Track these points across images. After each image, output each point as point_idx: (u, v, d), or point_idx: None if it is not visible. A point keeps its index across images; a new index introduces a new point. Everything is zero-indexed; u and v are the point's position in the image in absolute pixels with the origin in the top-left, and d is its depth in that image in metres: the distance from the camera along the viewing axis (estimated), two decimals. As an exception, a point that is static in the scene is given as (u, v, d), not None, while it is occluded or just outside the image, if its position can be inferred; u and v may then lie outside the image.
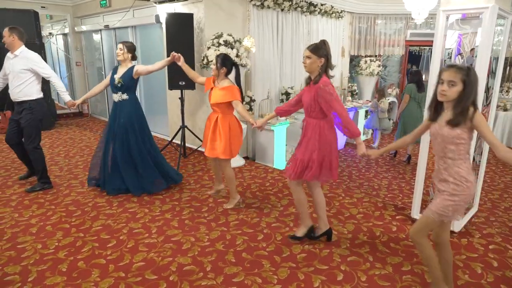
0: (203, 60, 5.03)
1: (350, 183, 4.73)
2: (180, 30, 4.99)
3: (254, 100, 5.57)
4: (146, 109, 7.45)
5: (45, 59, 7.72)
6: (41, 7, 8.22)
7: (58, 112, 8.80)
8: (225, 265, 2.83)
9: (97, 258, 2.89)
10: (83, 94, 4.97)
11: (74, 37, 9.03)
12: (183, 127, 5.46)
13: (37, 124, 4.16)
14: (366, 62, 7.98)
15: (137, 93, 7.26)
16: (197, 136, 5.62)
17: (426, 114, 2.29)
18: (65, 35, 9.43)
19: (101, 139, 4.32)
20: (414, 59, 11.26)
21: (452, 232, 3.30)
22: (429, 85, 3.19)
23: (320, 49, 2.78)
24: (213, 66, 3.61)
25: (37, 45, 7.21)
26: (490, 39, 2.90)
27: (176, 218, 3.61)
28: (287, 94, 6.12)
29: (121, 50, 3.91)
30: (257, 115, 5.73)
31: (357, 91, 8.07)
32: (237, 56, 4.93)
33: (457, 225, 3.27)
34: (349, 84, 8.03)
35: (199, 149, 5.75)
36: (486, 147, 3.52)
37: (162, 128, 7.00)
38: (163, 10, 5.60)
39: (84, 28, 8.57)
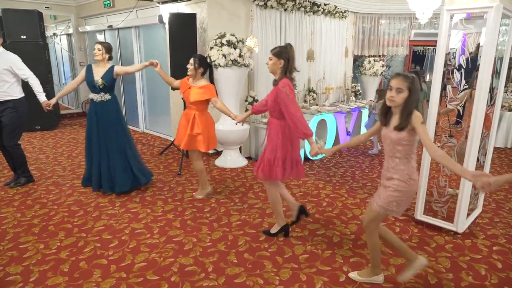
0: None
1: (353, 184, 4.71)
2: (183, 30, 4.99)
3: (257, 100, 5.56)
4: (149, 109, 7.52)
5: (49, 59, 7.80)
6: (45, 7, 8.26)
7: (62, 112, 8.85)
8: (227, 265, 2.82)
9: (99, 259, 2.90)
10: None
11: (78, 37, 9.08)
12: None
13: (21, 122, 4.27)
14: (369, 62, 7.96)
15: (139, 94, 7.44)
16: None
17: (379, 117, 2.44)
18: (69, 35, 9.47)
19: (86, 141, 4.20)
20: (418, 59, 11.20)
21: (455, 233, 3.30)
22: (433, 86, 3.17)
23: (282, 52, 2.93)
24: (190, 66, 3.72)
25: (41, 45, 7.26)
26: (494, 39, 2.89)
27: (178, 219, 3.61)
28: (290, 94, 6.08)
29: (99, 51, 3.93)
30: (260, 115, 5.71)
31: (360, 91, 8.05)
32: (240, 56, 4.92)
33: (461, 226, 3.24)
34: (353, 84, 8.00)
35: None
36: (490, 148, 3.49)
37: (165, 128, 7.01)
38: (166, 10, 5.61)
39: (88, 28, 8.60)
